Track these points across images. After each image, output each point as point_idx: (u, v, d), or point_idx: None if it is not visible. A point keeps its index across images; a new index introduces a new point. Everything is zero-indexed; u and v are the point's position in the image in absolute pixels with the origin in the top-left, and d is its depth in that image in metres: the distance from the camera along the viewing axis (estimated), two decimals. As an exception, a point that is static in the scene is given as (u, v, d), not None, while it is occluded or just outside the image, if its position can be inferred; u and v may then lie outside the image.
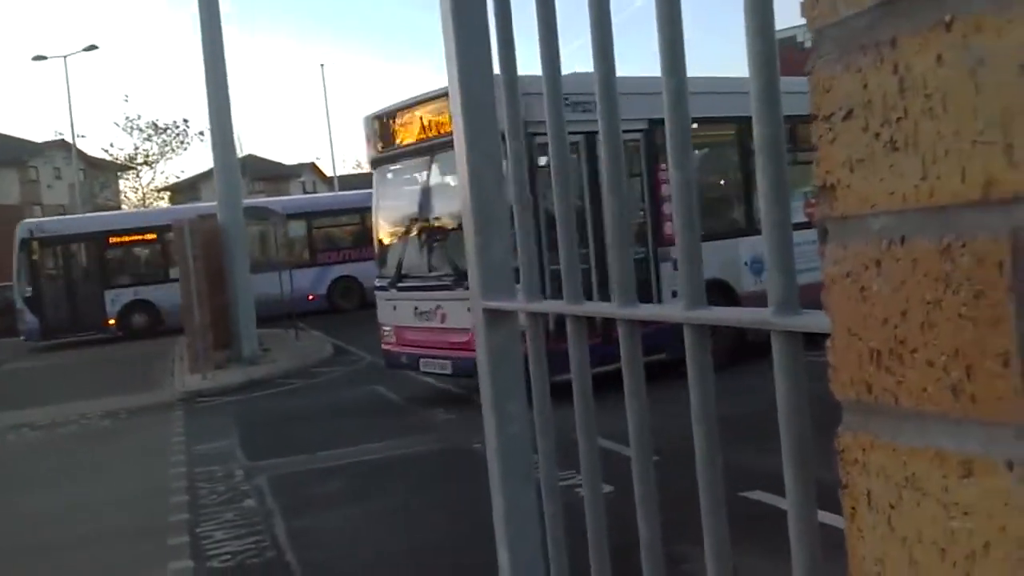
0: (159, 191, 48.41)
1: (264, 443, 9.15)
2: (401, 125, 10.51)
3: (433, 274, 10.08)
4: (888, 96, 0.56)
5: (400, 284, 10.65)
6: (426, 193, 10.20)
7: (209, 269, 14.18)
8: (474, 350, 7.41)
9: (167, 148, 46.66)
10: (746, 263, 10.57)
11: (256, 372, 13.75)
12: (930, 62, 0.54)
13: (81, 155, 42.51)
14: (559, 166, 1.30)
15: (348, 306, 22.46)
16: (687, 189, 0.99)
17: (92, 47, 37.13)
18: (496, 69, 1.54)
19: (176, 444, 9.39)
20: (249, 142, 74.88)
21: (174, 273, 21.27)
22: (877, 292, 0.55)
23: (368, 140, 11.32)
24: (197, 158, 69.95)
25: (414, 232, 10.40)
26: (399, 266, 10.67)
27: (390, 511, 6.37)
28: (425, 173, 10.19)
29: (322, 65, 62.71)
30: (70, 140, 39.87)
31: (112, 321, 21.44)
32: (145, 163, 46.96)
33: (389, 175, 11.10)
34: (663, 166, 9.98)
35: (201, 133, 44.13)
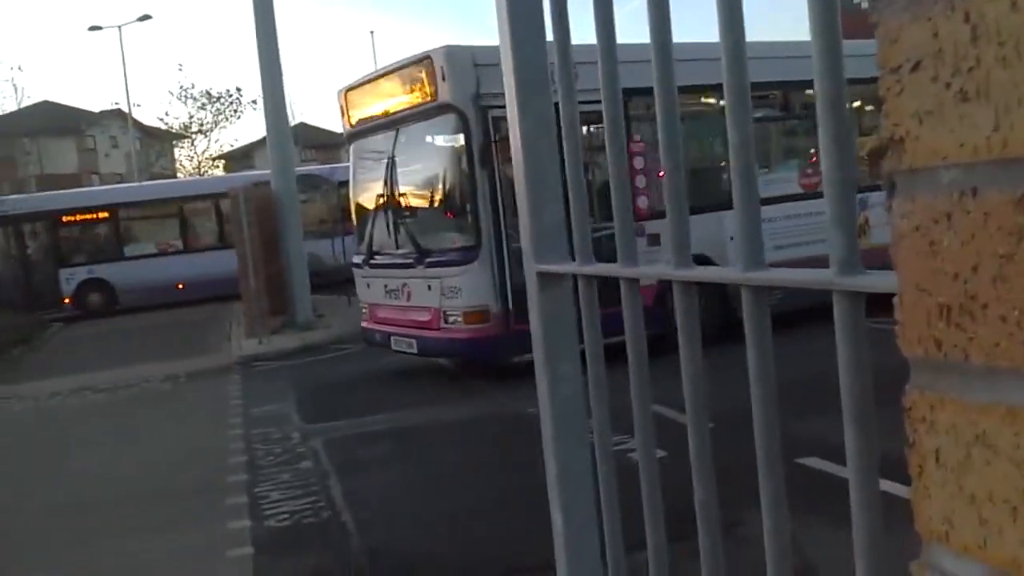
0: (214, 159, 49.02)
1: (319, 407, 9.30)
2: (370, 98, 10.32)
3: (399, 251, 9.93)
4: (959, 45, 0.54)
5: (372, 261, 10.55)
6: (391, 168, 9.97)
7: (263, 236, 14.37)
8: (436, 329, 7.51)
9: (220, 117, 47.15)
10: (731, 237, 9.91)
11: (311, 337, 13.94)
12: (1004, 8, 0.52)
13: (137, 124, 43.16)
14: (613, 131, 1.28)
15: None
16: (745, 150, 0.97)
17: (146, 17, 37.52)
18: (548, 34, 1.51)
19: (234, 407, 9.59)
20: (301, 110, 75.33)
21: (129, 251, 21.58)
22: (947, 246, 0.54)
23: (341, 113, 11.13)
24: (250, 126, 70.60)
25: (382, 209, 10.24)
26: (370, 243, 10.54)
27: (444, 474, 6.45)
28: (391, 148, 9.95)
29: (372, 32, 62.84)
30: (126, 109, 40.47)
31: (67, 300, 21.21)
32: (200, 131, 47.54)
33: (362, 150, 10.88)
34: (635, 137, 9.71)
35: (254, 102, 44.44)
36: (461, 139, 8.95)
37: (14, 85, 63.47)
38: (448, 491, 6.00)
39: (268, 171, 16.25)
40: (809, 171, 10.74)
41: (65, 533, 5.88)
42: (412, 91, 9.40)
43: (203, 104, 47.14)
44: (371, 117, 10.30)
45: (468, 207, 9.06)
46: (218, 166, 48.89)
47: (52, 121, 45.90)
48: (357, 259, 11.02)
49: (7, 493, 7.02)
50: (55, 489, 7.00)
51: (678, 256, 1.13)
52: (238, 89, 51.31)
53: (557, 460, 1.55)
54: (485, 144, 8.83)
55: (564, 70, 1.37)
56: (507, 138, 7.31)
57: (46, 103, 48.78)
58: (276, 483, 6.53)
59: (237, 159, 48.93)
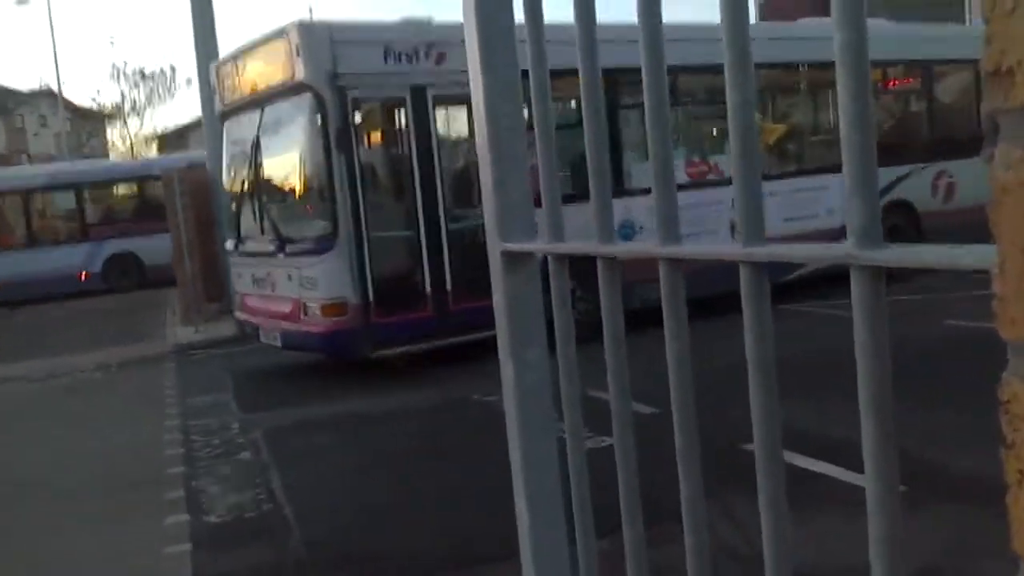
0: (148, 140, 47.87)
1: (258, 396, 9.09)
2: (238, 75, 9.83)
3: (264, 239, 9.54)
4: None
5: (240, 248, 10.21)
6: (256, 151, 9.53)
7: (199, 220, 14.01)
8: (298, 321, 7.36)
9: (154, 96, 46.04)
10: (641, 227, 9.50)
11: (249, 325, 13.63)
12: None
13: (67, 104, 41.90)
14: (592, 106, 1.18)
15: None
16: (747, 128, 0.88)
17: (77, -7, 36.38)
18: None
19: (169, 397, 9.32)
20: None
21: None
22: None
23: (214, 90, 10.71)
24: (185, 106, 69.03)
25: (248, 194, 9.85)
26: (238, 229, 10.19)
27: (388, 464, 6.33)
28: (257, 128, 9.50)
29: (311, 9, 61.76)
30: (55, 88, 39.26)
31: None
32: (133, 111, 46.37)
33: (231, 130, 10.41)
34: None
35: (189, 80, 43.52)
36: (317, 121, 8.53)
37: (-64, 64, 61.23)
38: (392, 481, 5.88)
39: (203, 152, 15.83)
40: (695, 159, 10.67)
41: (-9, 529, 5.64)
42: (272, 68, 9.00)
43: (136, 83, 45.98)
44: (239, 95, 9.87)
45: (325, 194, 8.68)
46: (152, 146, 47.76)
47: (-22, 101, 44.36)
48: (228, 246, 10.66)
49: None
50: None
51: (664, 234, 1.04)
52: (172, 67, 50.11)
53: (523, 449, 1.46)
54: (343, 127, 8.49)
55: (534, 26, 1.26)
56: (368, 121, 7.16)
57: (-29, 82, 47.10)
58: (215, 476, 6.34)
59: (172, 140, 47.83)
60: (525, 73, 1.33)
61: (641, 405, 5.45)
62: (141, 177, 21.89)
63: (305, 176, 9.09)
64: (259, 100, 9.44)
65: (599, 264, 1.17)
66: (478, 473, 5.75)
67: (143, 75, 45.58)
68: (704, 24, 9.60)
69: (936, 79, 12.97)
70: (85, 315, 17.69)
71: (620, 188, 9.12)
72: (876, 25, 12.48)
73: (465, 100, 12.12)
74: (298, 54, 8.46)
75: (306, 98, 8.59)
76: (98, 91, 75.69)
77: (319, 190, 8.84)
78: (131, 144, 46.86)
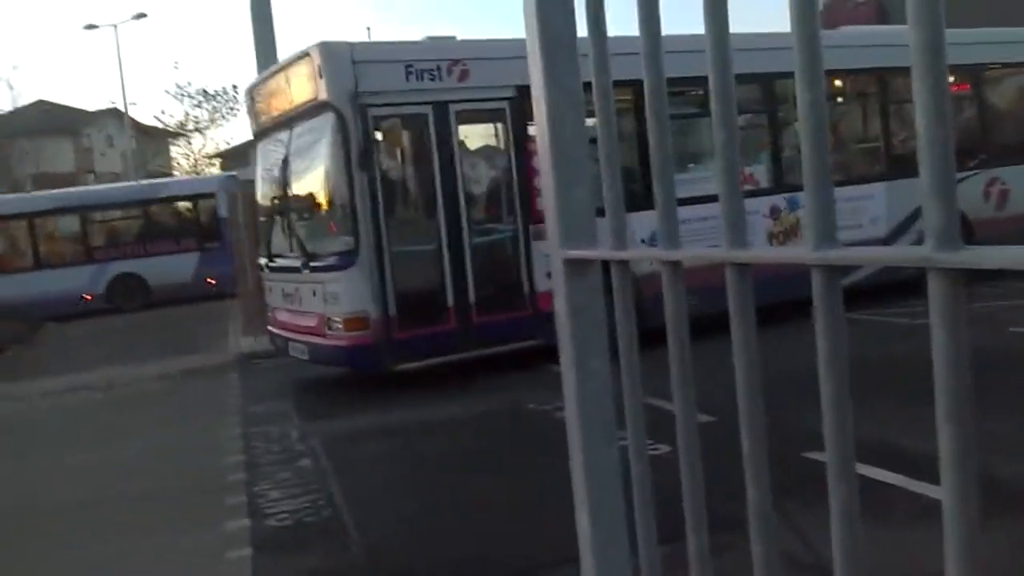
0: (210, 157, 48.82)
1: (318, 404, 9.20)
2: (267, 96, 10.09)
3: (292, 254, 9.73)
4: None
5: (270, 264, 10.41)
6: (285, 169, 9.77)
7: (258, 233, 14.25)
8: (323, 336, 7.36)
9: (217, 114, 46.95)
10: (643, 240, 8.89)
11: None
12: None
13: (133, 123, 42.99)
14: (657, 110, 1.18)
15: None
16: (818, 130, 0.87)
17: (141, 15, 37.48)
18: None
19: (231, 405, 9.48)
20: (297, 107, 74.84)
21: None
22: None
23: (248, 113, 10.97)
24: (246, 125, 70.24)
25: (278, 211, 10.07)
26: (269, 245, 10.42)
27: (445, 472, 6.35)
28: (286, 148, 9.73)
29: (368, 28, 62.64)
30: (122, 108, 40.29)
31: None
32: (196, 130, 47.34)
33: (264, 150, 10.64)
34: (533, 135, 9.49)
35: (250, 99, 44.23)
36: (339, 139, 8.64)
37: (9, 85, 63.21)
38: (450, 490, 5.90)
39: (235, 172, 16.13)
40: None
41: (61, 534, 5.77)
42: (297, 89, 9.20)
43: (199, 102, 46.97)
44: (269, 116, 10.12)
45: (346, 210, 8.77)
46: (215, 164, 48.73)
47: (48, 121, 45.67)
48: (261, 262, 10.89)
49: (2, 494, 6.91)
50: (50, 489, 6.89)
51: (732, 239, 1.03)
52: (234, 87, 51.05)
53: (585, 460, 1.45)
54: (364, 144, 8.58)
55: (597, 34, 1.26)
56: (389, 138, 7.21)
57: (41, 102, 48.51)
58: (275, 482, 6.42)
59: (234, 157, 48.72)
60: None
61: (701, 415, 5.42)
62: (147, 200, 22.29)
63: (328, 193, 9.24)
64: (287, 120, 9.64)
65: (664, 271, 1.17)
66: (535, 481, 5.74)
67: (206, 94, 46.50)
68: (745, 34, 9.53)
69: (988, 83, 12.64)
70: (147, 326, 18.05)
71: (649, 201, 8.90)
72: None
73: (488, 116, 12.10)
74: (320, 75, 8.65)
75: (328, 117, 8.73)
76: (162, 111, 77.37)
77: (341, 207, 8.95)
78: (195, 161, 47.84)
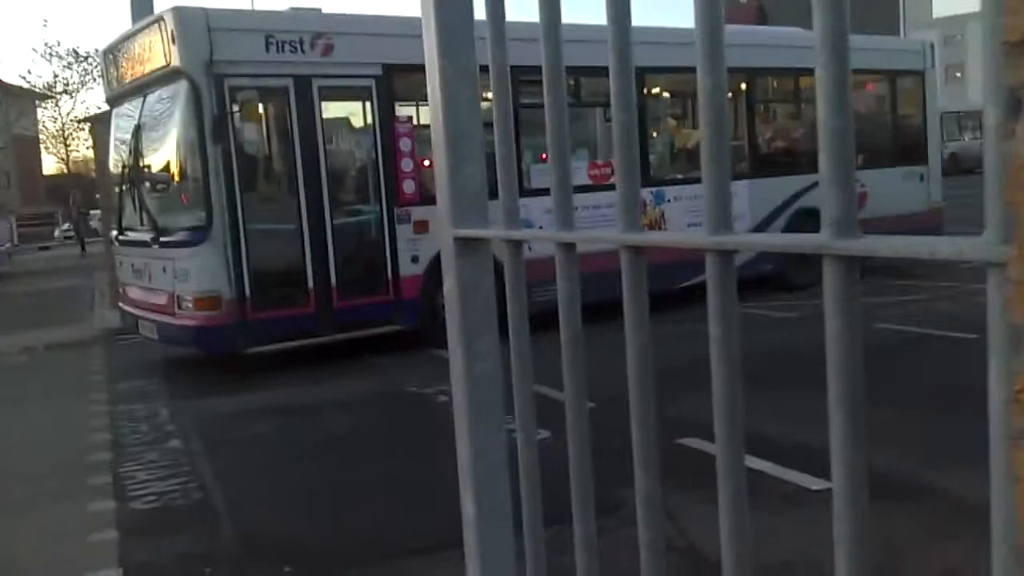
0: (80, 121, 46.56)
1: (189, 383, 8.90)
2: (123, 60, 9.66)
3: (142, 228, 9.36)
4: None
5: (120, 237, 10.09)
6: (137, 138, 9.36)
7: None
8: (172, 314, 7.31)
9: (88, 77, 44.73)
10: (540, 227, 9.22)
11: (181, 310, 13.34)
12: None
13: (-5, 81, 40.62)
14: (555, 95, 1.15)
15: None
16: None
17: (7, -34, 35.28)
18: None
19: (96, 382, 9.09)
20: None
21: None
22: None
23: (102, 77, 10.59)
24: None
25: (128, 182, 9.70)
26: (120, 218, 10.08)
27: (320, 454, 6.24)
28: (138, 115, 9.34)
29: (252, -3, 60.69)
30: (-17, 64, 37.92)
31: None
32: (64, 92, 45.02)
33: (117, 115, 10.24)
34: (400, 116, 9.40)
35: (124, 62, 42.33)
36: (192, 108, 8.35)
37: None
38: (325, 472, 5.80)
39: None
40: (600, 163, 10.57)
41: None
42: (151, 55, 8.85)
43: (69, 63, 44.63)
44: (123, 81, 9.72)
45: (199, 184, 8.49)
46: (83, 128, 46.50)
47: (-100, 74, 42.65)
48: (111, 234, 10.49)
49: None
50: None
51: (627, 222, 1.02)
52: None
53: (472, 443, 1.43)
54: (219, 115, 8.32)
55: (494, 8, 1.23)
56: (246, 111, 7.09)
57: None
58: (142, 463, 6.18)
59: (105, 121, 46.62)
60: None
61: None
62: None
63: (180, 165, 8.87)
64: (140, 87, 9.27)
65: (557, 251, 1.15)
66: (412, 464, 5.71)
67: (76, 55, 44.22)
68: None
69: (852, 88, 13.19)
70: (5, 297, 17.15)
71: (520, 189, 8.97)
72: (792, 35, 12.61)
73: (353, 93, 11.89)
74: (174, 40, 8.31)
75: (181, 85, 8.41)
76: (29, 70, 73.21)
77: (193, 180, 8.63)
78: (62, 124, 45.50)
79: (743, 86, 12.02)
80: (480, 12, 1.33)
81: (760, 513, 4.44)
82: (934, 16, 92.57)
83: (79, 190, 38.44)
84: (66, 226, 44.08)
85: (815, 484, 4.76)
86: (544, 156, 9.03)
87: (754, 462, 5.09)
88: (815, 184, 10.39)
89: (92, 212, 39.63)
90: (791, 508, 4.52)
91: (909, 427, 5.60)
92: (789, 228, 11.49)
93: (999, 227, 0.61)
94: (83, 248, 30.73)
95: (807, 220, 11.70)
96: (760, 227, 11.54)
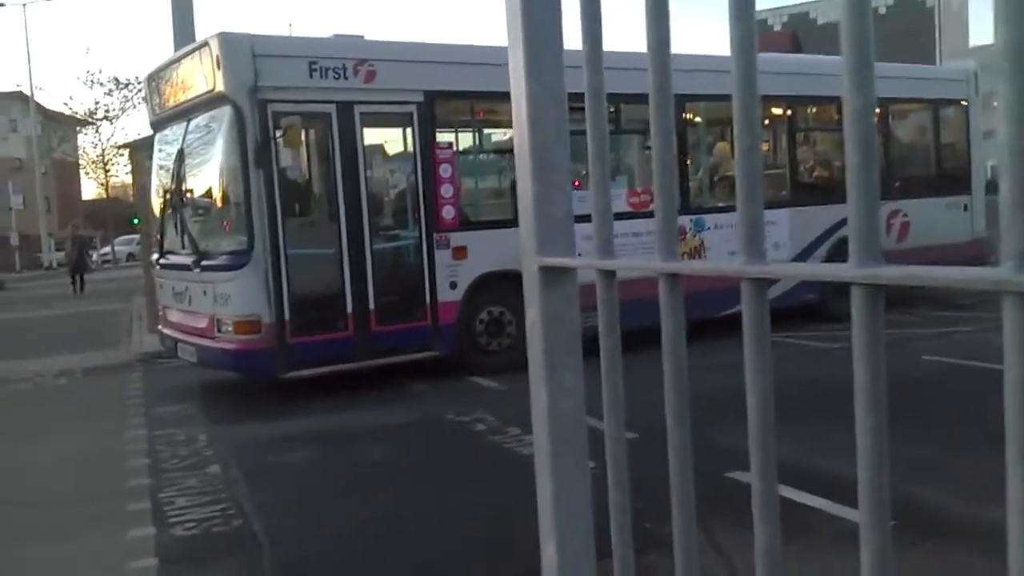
0: (119, 147, 47.30)
1: (228, 408, 8.90)
2: (167, 85, 9.75)
3: (183, 252, 9.43)
4: None
5: (161, 261, 10.14)
6: (180, 162, 9.45)
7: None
8: (212, 338, 7.25)
9: (128, 104, 45.50)
10: None
11: (218, 335, 13.39)
12: None
13: (39, 108, 41.38)
14: (662, 124, 1.09)
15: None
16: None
17: (52, -5, 36.07)
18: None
19: (134, 406, 9.11)
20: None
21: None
22: None
23: (145, 102, 10.72)
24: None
25: (171, 206, 9.76)
26: (161, 241, 10.14)
27: (360, 481, 6.18)
28: (181, 140, 9.44)
29: (290, 25, 61.66)
30: (28, 92, 38.76)
31: None
32: (105, 118, 45.80)
33: (160, 141, 10.34)
34: (440, 142, 9.39)
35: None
36: (236, 134, 8.39)
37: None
38: (367, 501, 5.74)
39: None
40: (639, 190, 10.52)
41: (-54, 539, 5.41)
42: (195, 79, 8.92)
43: (110, 90, 45.47)
44: (167, 106, 9.81)
45: (241, 208, 8.52)
46: (123, 154, 47.21)
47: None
48: (153, 258, 10.58)
49: None
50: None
51: (666, 248, 0.99)
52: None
53: (554, 483, 1.35)
54: (262, 140, 8.36)
55: (590, 24, 1.17)
56: (289, 136, 7.12)
57: (-60, 81, 46.39)
58: (181, 488, 6.15)
59: (144, 148, 47.29)
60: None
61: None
62: None
63: (223, 189, 8.93)
64: (184, 112, 9.35)
65: (661, 282, 1.08)
66: (453, 494, 5.63)
67: (117, 82, 45.03)
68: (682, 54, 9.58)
69: (894, 117, 13.05)
70: (46, 321, 17.32)
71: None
72: (832, 62, 12.54)
73: (395, 120, 11.99)
74: (218, 66, 8.37)
75: (225, 110, 8.47)
76: (71, 97, 74.51)
77: (235, 204, 8.68)
78: (102, 150, 46.27)
79: (785, 113, 11.94)
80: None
81: (813, 552, 4.31)
82: (970, 45, 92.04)
83: (83, 219, 38.31)
84: (105, 250, 44.57)
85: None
86: (578, 183, 9.16)
87: (804, 497, 4.97)
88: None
89: (126, 237, 39.91)
90: (844, 545, 4.38)
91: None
92: (830, 258, 11.35)
93: (1017, 254, 0.61)
94: (78, 286, 25.00)
95: (847, 250, 11.55)
96: (801, 256, 11.41)
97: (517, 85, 1.35)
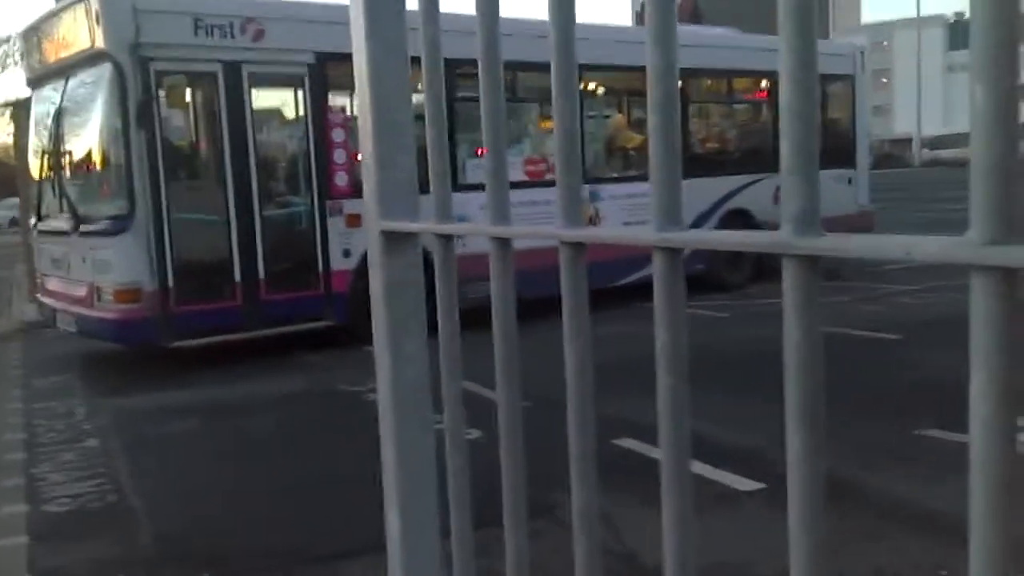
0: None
1: (110, 379, 8.61)
2: (45, 41, 9.35)
3: (61, 216, 9.08)
4: None
5: (39, 226, 9.79)
6: (58, 122, 9.05)
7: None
8: (92, 307, 7.15)
9: (9, 60, 43.27)
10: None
11: (103, 304, 12.93)
12: None
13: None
14: (491, 76, 1.07)
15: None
16: (669, 88, 0.79)
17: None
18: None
19: (13, 377, 8.73)
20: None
21: None
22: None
23: (23, 58, 10.32)
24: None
25: (48, 168, 9.39)
26: (39, 205, 9.77)
27: (245, 454, 6.07)
28: (60, 98, 9.03)
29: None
30: None
31: None
32: (-18, 76, 43.52)
33: (37, 99, 9.88)
34: (333, 106, 9.26)
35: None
36: (116, 92, 8.09)
37: None
38: (249, 473, 5.64)
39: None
40: (536, 157, 10.54)
41: None
42: (74, 36, 8.58)
43: (-14, 47, 43.12)
44: (45, 63, 9.39)
45: (122, 171, 8.23)
46: (3, 113, 44.94)
47: None
48: (30, 222, 10.19)
49: None
50: None
51: (566, 218, 0.95)
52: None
53: (397, 452, 1.34)
54: (144, 100, 8.08)
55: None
56: (173, 96, 6.94)
57: None
58: (57, 463, 5.93)
59: (25, 107, 45.07)
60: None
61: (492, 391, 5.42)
62: None
63: (102, 151, 8.59)
64: (63, 69, 8.95)
65: (491, 245, 1.07)
66: (339, 465, 5.58)
67: (-7, 37, 42.73)
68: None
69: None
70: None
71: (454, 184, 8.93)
72: (727, 36, 12.77)
73: (285, 81, 11.71)
74: (97, 21, 8.05)
75: (105, 68, 8.13)
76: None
77: (116, 167, 8.36)
78: (-21, 109, 43.92)
79: (680, 86, 12.09)
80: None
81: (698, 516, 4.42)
82: (862, 22, 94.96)
83: None
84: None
85: (745, 485, 4.77)
86: (481, 151, 9.04)
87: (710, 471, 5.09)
88: (746, 185, 10.48)
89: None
90: (725, 509, 4.51)
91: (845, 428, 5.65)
92: (720, 228, 11.59)
93: (987, 223, 0.54)
94: None
95: (737, 221, 11.83)
96: (692, 227, 11.62)
97: (358, 44, 1.31)
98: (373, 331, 1.37)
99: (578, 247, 0.95)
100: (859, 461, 5.01)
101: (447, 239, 1.18)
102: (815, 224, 0.67)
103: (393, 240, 1.32)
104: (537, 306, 4.15)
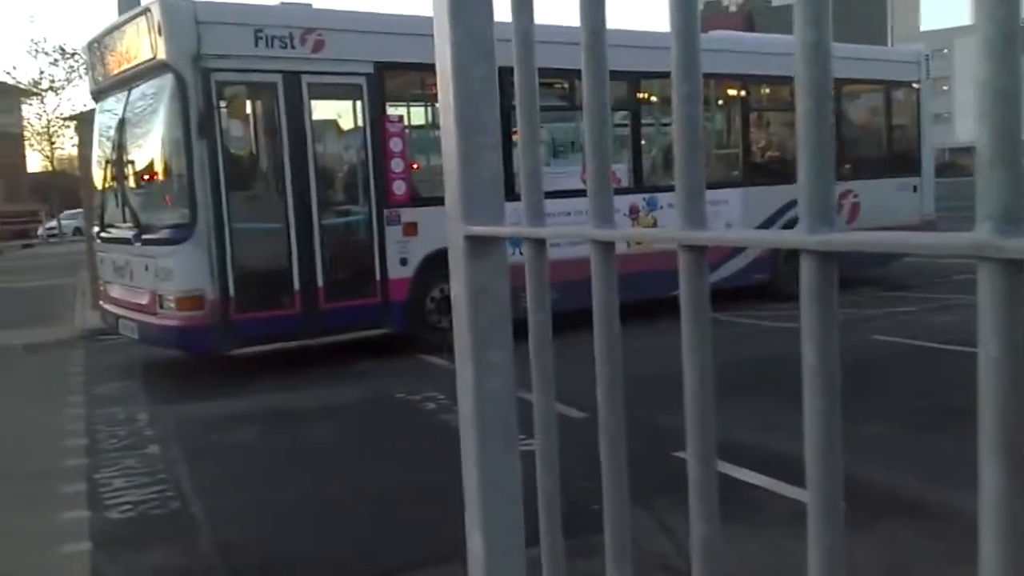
0: (65, 119, 46.18)
1: (170, 385, 8.69)
2: (108, 53, 9.39)
3: (124, 225, 9.17)
4: None
5: (102, 235, 9.88)
6: (121, 132, 9.18)
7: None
8: (154, 314, 7.04)
9: (74, 74, 44.45)
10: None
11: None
12: None
13: (-20, 77, 40.15)
14: (526, 80, 0.98)
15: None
16: (692, 96, 0.71)
17: (-6, -39, 34.93)
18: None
19: (75, 384, 8.85)
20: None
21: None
22: None
23: (87, 71, 10.39)
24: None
25: (112, 177, 9.48)
26: (102, 214, 9.88)
27: (305, 463, 6.05)
28: (123, 109, 9.16)
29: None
30: (-32, 60, 37.54)
31: None
32: (50, 89, 44.71)
33: (102, 110, 10.04)
34: (391, 116, 9.25)
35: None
36: (178, 103, 8.14)
37: None
38: (310, 482, 5.61)
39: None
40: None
41: None
42: (136, 47, 8.65)
43: (55, 60, 44.47)
44: (108, 74, 9.49)
45: (183, 181, 8.28)
46: (69, 126, 46.12)
47: None
48: (94, 231, 10.30)
49: None
50: None
51: (686, 219, 0.86)
52: (94, 46, 48.25)
53: (481, 470, 1.25)
54: (206, 110, 8.13)
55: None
56: (233, 107, 6.90)
57: None
58: (119, 469, 5.97)
59: (90, 120, 46.20)
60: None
61: (572, 409, 5.33)
62: None
63: (164, 161, 8.68)
64: (125, 81, 9.07)
65: (593, 249, 0.98)
66: (400, 475, 5.53)
67: (63, 52, 43.96)
68: (613, 30, 9.41)
69: (845, 98, 13.05)
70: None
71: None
72: (781, 41, 12.53)
73: (344, 92, 11.78)
74: (160, 32, 8.11)
75: (167, 79, 8.21)
76: (14, 67, 72.40)
77: (178, 176, 8.43)
78: (47, 122, 45.17)
79: (738, 94, 11.91)
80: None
81: (758, 530, 4.28)
82: (922, 30, 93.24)
83: (28, 192, 37.14)
84: (51, 224, 43.58)
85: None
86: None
87: (750, 476, 4.95)
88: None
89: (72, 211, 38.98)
90: (791, 525, 4.35)
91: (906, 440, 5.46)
92: None
93: (996, 214, 0.57)
94: None
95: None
96: None
97: (441, 36, 1.24)
98: (455, 343, 1.29)
99: (608, 246, 0.96)
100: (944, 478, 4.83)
101: (539, 243, 1.10)
102: (831, 220, 0.68)
103: (478, 245, 1.23)
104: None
